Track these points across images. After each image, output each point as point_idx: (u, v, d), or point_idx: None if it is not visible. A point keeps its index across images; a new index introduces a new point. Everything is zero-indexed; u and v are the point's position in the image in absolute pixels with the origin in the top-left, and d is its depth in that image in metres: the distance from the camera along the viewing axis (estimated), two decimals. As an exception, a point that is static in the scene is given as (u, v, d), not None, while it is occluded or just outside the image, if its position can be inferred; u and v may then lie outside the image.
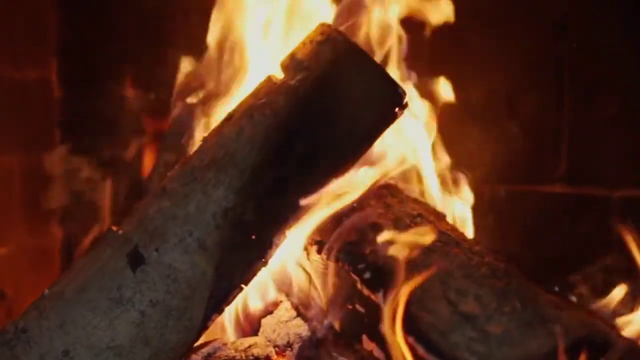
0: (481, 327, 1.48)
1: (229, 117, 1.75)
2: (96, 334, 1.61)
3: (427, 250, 1.65)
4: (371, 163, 1.83)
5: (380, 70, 1.75)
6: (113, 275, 1.64)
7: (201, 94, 2.06)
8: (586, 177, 2.32)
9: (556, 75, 2.32)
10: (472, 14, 2.14)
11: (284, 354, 1.82)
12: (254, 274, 1.69)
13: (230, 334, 1.90)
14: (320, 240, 1.77)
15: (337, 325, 1.78)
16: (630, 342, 1.54)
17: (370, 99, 1.73)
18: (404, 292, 1.57)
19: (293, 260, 1.87)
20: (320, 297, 1.81)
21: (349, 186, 1.75)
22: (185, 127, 2.06)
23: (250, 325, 1.90)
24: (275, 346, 1.83)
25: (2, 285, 2.45)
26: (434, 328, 1.51)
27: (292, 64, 1.74)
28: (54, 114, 2.64)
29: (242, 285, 1.68)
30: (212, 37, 2.04)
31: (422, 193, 1.95)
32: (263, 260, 1.68)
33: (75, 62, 2.63)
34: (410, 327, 1.53)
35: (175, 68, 2.21)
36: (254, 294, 1.90)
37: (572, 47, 2.31)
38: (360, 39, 1.89)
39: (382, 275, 1.63)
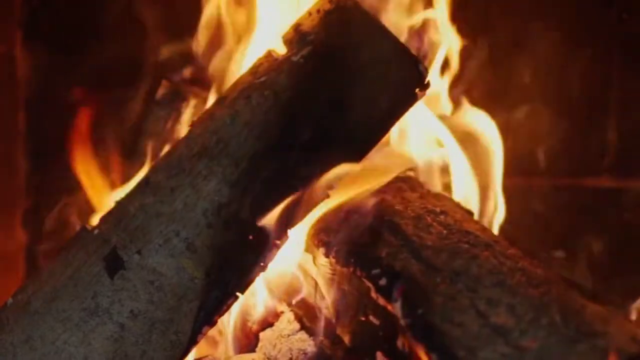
0: (515, 342, 1.48)
1: (223, 99, 1.76)
2: (67, 351, 1.62)
3: (452, 253, 1.66)
4: (388, 152, 1.83)
5: (398, 44, 1.75)
6: (87, 281, 1.65)
7: (190, 71, 2.07)
8: (637, 169, 2.32)
9: (603, 48, 2.32)
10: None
11: (285, 373, 1.83)
12: (252, 281, 1.70)
13: (224, 350, 1.91)
14: (328, 241, 1.77)
15: (347, 340, 1.79)
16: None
17: (386, 77, 1.73)
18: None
19: (296, 264, 1.88)
20: (327, 307, 1.82)
21: (362, 179, 1.76)
22: (171, 109, 2.07)
23: (246, 340, 1.91)
24: (275, 364, 1.84)
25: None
26: (461, 343, 1.50)
27: (295, 37, 1.75)
28: (18, 95, 2.65)
29: (238, 294, 1.68)
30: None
31: (446, 187, 1.96)
32: (262, 264, 1.68)
33: (43, 36, 2.64)
34: (433, 342, 1.53)
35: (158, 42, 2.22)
36: (251, 303, 1.91)
37: (622, 17, 2.31)
38: (375, 7, 1.90)
39: (400, 281, 1.63)
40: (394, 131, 1.87)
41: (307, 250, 1.84)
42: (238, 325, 1.91)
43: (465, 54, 2.04)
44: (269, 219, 1.67)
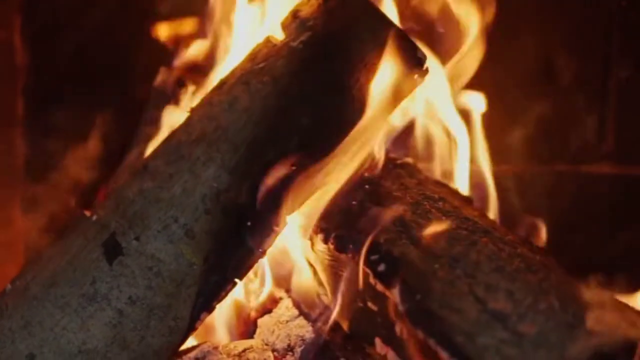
0: (513, 327, 1.48)
1: (221, 85, 1.76)
2: (66, 336, 1.62)
3: (451, 240, 1.66)
4: (387, 139, 1.84)
5: (397, 31, 1.75)
6: (86, 267, 1.64)
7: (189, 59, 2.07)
8: (636, 155, 2.32)
9: (602, 35, 2.32)
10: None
11: (284, 359, 1.83)
12: (250, 267, 1.70)
13: (222, 336, 1.91)
14: (326, 227, 1.77)
15: (345, 326, 1.79)
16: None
17: (387, 64, 1.73)
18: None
19: (295, 250, 1.88)
20: (326, 293, 1.82)
21: (361, 165, 1.76)
22: (169, 96, 2.06)
23: (245, 326, 1.91)
24: (274, 350, 1.83)
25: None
26: (460, 329, 1.50)
27: (294, 23, 1.75)
28: (16, 81, 2.64)
29: (236, 280, 1.68)
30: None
31: (444, 173, 1.96)
32: (260, 250, 1.68)
33: (44, 20, 2.63)
34: (432, 328, 1.53)
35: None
36: (250, 289, 1.91)
37: (621, 4, 2.31)
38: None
39: (398, 267, 1.63)
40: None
41: (305, 236, 1.83)
42: (236, 312, 1.91)
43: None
44: (268, 205, 1.67)
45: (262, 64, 1.72)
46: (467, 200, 1.84)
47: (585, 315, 1.51)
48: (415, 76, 1.74)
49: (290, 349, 1.83)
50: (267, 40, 1.76)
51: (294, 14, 1.76)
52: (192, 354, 1.78)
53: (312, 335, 1.81)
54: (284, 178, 1.65)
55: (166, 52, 2.22)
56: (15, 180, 2.62)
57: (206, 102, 1.75)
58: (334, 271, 1.78)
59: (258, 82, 1.70)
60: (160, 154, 1.72)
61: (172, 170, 1.68)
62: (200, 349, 1.80)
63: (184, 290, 1.64)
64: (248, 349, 1.82)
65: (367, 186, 1.78)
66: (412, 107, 1.94)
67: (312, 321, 1.83)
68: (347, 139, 1.70)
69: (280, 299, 1.91)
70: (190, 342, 1.75)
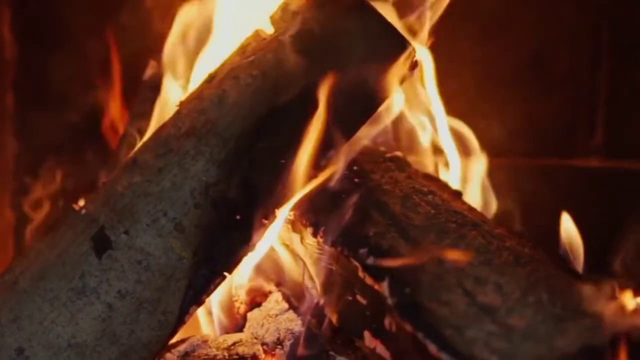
0: (502, 320, 1.48)
1: (211, 79, 1.75)
2: (55, 330, 1.61)
3: (440, 233, 1.66)
4: (376, 132, 1.83)
5: (386, 24, 1.75)
6: (75, 261, 1.64)
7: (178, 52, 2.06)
8: (626, 149, 2.32)
9: (593, 28, 2.32)
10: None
11: (273, 352, 1.83)
12: (239, 260, 1.70)
13: (212, 330, 1.91)
14: (315, 221, 1.77)
15: (334, 320, 1.79)
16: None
17: (375, 56, 1.72)
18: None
19: (284, 244, 1.87)
20: (315, 287, 1.82)
21: (351, 159, 1.76)
22: (159, 89, 2.06)
23: (234, 320, 1.91)
24: (263, 344, 1.83)
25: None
26: (448, 322, 1.50)
27: (283, 17, 1.74)
28: (6, 75, 2.64)
29: (225, 273, 1.68)
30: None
31: (434, 167, 1.96)
32: (249, 243, 1.68)
33: (33, 14, 2.62)
34: (421, 321, 1.53)
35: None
36: (239, 283, 1.91)
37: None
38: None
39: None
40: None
41: (294, 230, 1.83)
42: (226, 305, 1.91)
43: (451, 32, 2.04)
44: (257, 199, 1.67)
45: (252, 57, 1.72)
46: (456, 193, 1.84)
47: (574, 308, 1.52)
48: (405, 69, 1.74)
49: (279, 342, 1.83)
50: (257, 33, 1.75)
51: (283, 8, 1.75)
52: (181, 348, 1.78)
53: (302, 329, 1.82)
54: (273, 172, 1.66)
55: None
56: (4, 174, 2.62)
57: (195, 95, 1.75)
58: (323, 265, 1.77)
59: (247, 76, 1.70)
60: (149, 147, 1.72)
61: (161, 164, 1.67)
62: (190, 343, 1.80)
63: (173, 284, 1.64)
64: (237, 342, 1.82)
65: (356, 179, 1.78)
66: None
67: (302, 315, 1.83)
68: (337, 132, 1.70)
69: (270, 292, 1.91)
70: (180, 335, 1.75)
